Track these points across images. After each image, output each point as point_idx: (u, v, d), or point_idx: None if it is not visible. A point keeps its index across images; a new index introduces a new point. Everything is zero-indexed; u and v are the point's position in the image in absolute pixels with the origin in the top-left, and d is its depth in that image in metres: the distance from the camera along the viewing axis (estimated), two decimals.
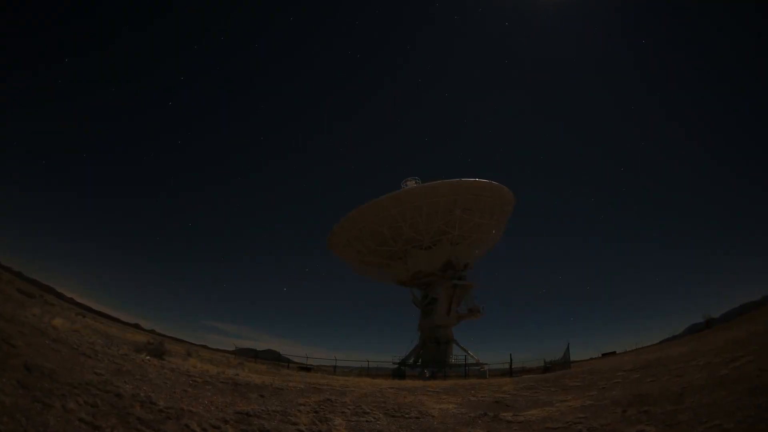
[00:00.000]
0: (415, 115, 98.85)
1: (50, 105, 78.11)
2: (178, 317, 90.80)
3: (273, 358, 37.10)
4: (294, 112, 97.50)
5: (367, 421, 6.46)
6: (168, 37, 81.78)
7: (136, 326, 46.37)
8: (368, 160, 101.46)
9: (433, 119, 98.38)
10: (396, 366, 30.15)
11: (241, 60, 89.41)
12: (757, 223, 74.97)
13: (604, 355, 31.14)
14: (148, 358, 9.98)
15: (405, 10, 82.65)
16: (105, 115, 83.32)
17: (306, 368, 29.51)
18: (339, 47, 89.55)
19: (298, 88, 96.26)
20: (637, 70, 78.34)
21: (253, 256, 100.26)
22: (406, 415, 7.09)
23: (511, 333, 77.56)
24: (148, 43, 79.83)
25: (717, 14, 67.64)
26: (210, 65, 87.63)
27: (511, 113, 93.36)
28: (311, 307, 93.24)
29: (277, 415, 6.01)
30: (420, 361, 30.17)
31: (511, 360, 25.85)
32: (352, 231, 31.62)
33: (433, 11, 79.76)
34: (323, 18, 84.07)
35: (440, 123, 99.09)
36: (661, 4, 69.00)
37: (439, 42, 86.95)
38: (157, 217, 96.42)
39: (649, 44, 73.38)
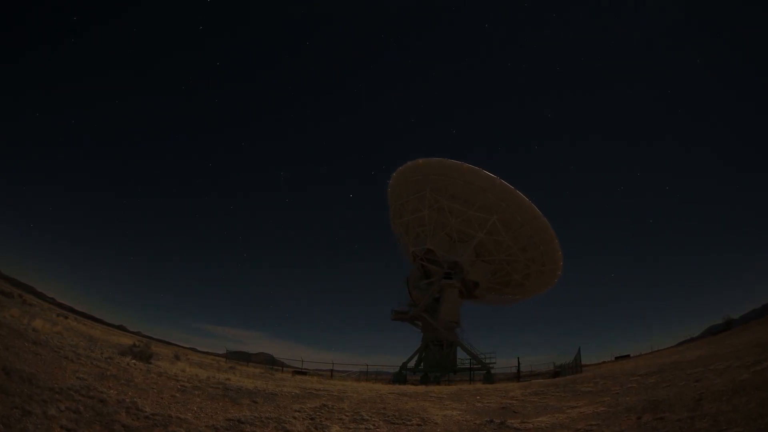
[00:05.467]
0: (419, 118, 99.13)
1: (37, 99, 78.52)
2: (165, 319, 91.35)
3: (266, 361, 37.35)
4: (287, 111, 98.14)
5: (366, 428, 6.49)
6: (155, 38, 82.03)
7: (121, 328, 46.61)
8: (362, 162, 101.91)
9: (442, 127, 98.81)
10: (397, 370, 30.36)
11: (235, 58, 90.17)
12: None
13: (617, 358, 31.25)
14: (133, 361, 10.01)
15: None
16: (92, 110, 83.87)
17: (301, 372, 29.69)
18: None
19: (290, 88, 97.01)
20: (650, 67, 78.22)
21: (246, 256, 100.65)
22: (408, 422, 7.12)
23: (518, 335, 77.87)
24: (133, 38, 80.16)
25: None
26: (204, 65, 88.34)
27: (521, 112, 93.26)
28: (308, 308, 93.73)
29: (270, 422, 6.04)
30: (422, 364, 30.29)
31: (519, 364, 26.01)
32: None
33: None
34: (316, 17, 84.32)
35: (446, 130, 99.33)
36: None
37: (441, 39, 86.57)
38: (144, 214, 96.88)
39: (651, 45, 73.55)
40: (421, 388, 16.50)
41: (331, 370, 31.52)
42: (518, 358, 26.52)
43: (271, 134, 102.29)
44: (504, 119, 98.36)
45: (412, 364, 30.78)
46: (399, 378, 28.13)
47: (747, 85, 73.91)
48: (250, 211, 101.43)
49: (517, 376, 24.93)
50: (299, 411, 7.38)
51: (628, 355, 31.41)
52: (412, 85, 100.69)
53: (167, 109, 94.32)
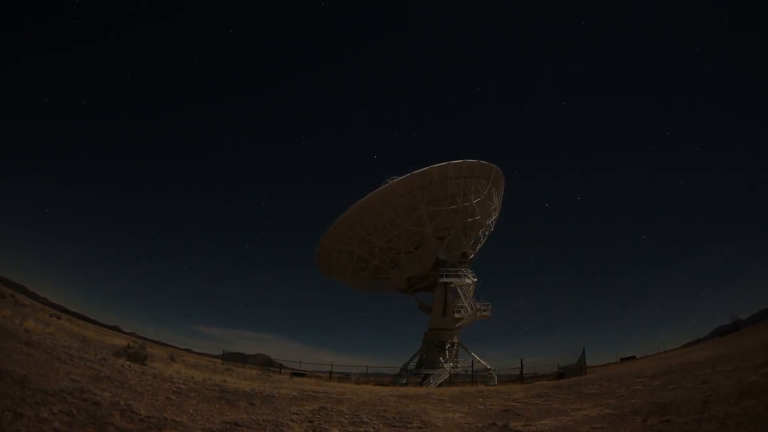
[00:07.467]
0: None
1: (30, 97, 79.03)
2: (160, 319, 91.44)
3: (264, 362, 37.46)
4: (285, 111, 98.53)
5: (365, 431, 6.51)
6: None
7: (115, 329, 46.79)
8: (362, 158, 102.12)
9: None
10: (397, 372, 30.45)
11: (229, 60, 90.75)
12: None
13: (622, 360, 31.36)
14: (128, 363, 10.04)
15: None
16: (88, 110, 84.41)
17: (299, 374, 29.76)
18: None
19: (284, 89, 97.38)
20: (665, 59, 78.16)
21: (243, 255, 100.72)
22: (408, 425, 7.13)
23: (522, 336, 77.94)
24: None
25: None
26: (205, 66, 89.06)
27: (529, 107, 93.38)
28: (306, 308, 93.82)
29: (268, 425, 6.05)
30: (422, 366, 30.34)
31: (522, 365, 26.01)
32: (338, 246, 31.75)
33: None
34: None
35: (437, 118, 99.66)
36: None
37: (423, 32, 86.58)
38: (140, 214, 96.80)
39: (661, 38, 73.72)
40: (422, 390, 16.54)
41: (330, 372, 31.59)
42: (521, 360, 26.52)
43: (270, 135, 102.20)
44: (507, 117, 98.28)
45: (412, 365, 30.86)
46: (399, 380, 28.22)
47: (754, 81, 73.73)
48: (248, 211, 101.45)
49: (521, 378, 24.98)
50: (297, 413, 7.39)
51: (633, 357, 31.52)
52: (410, 88, 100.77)
53: (166, 110, 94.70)
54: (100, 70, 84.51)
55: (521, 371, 25.76)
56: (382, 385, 22.34)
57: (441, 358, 28.83)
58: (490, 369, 28.77)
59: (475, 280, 30.59)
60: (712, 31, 73.06)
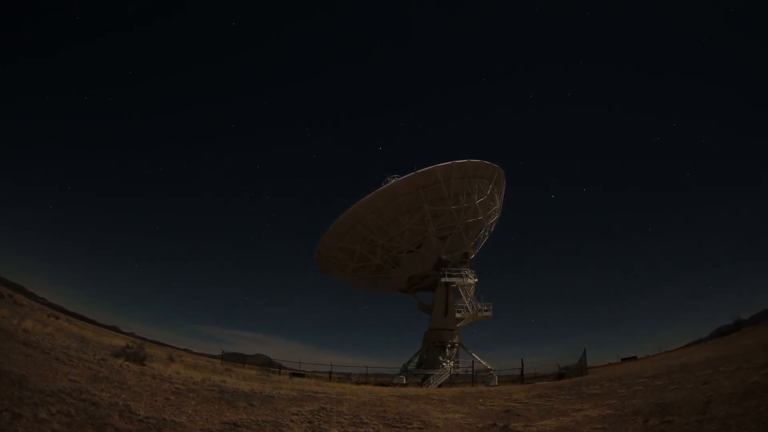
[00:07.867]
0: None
1: (30, 97, 79.32)
2: (159, 319, 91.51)
3: (263, 363, 37.51)
4: (285, 111, 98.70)
5: (365, 431, 6.51)
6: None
7: (114, 329, 46.90)
8: (362, 158, 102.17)
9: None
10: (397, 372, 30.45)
11: (229, 60, 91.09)
12: None
13: (623, 360, 31.35)
14: (126, 363, 10.04)
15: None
16: (88, 109, 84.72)
17: (299, 374, 29.78)
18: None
19: (284, 89, 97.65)
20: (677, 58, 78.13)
21: (243, 255, 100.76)
22: (408, 426, 7.13)
23: (522, 336, 77.98)
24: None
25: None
26: (205, 68, 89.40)
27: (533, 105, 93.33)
28: (306, 308, 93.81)
29: (267, 426, 6.05)
30: (422, 366, 30.37)
31: (522, 365, 26.02)
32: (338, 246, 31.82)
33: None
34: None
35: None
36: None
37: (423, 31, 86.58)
38: (139, 214, 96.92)
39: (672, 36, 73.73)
40: (423, 391, 16.55)
41: (330, 372, 31.60)
42: (522, 360, 26.53)
43: (270, 135, 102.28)
44: (506, 117, 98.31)
45: (412, 365, 30.86)
46: (399, 380, 28.22)
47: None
48: (248, 211, 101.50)
49: (521, 378, 24.98)
50: (297, 414, 7.39)
51: (634, 357, 31.52)
52: (409, 89, 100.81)
53: (166, 110, 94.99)
54: (100, 70, 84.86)
55: (522, 371, 25.76)
56: (383, 385, 22.35)
57: (441, 359, 28.79)
58: (490, 369, 28.75)
59: (476, 280, 30.61)
60: (712, 31, 73.15)
